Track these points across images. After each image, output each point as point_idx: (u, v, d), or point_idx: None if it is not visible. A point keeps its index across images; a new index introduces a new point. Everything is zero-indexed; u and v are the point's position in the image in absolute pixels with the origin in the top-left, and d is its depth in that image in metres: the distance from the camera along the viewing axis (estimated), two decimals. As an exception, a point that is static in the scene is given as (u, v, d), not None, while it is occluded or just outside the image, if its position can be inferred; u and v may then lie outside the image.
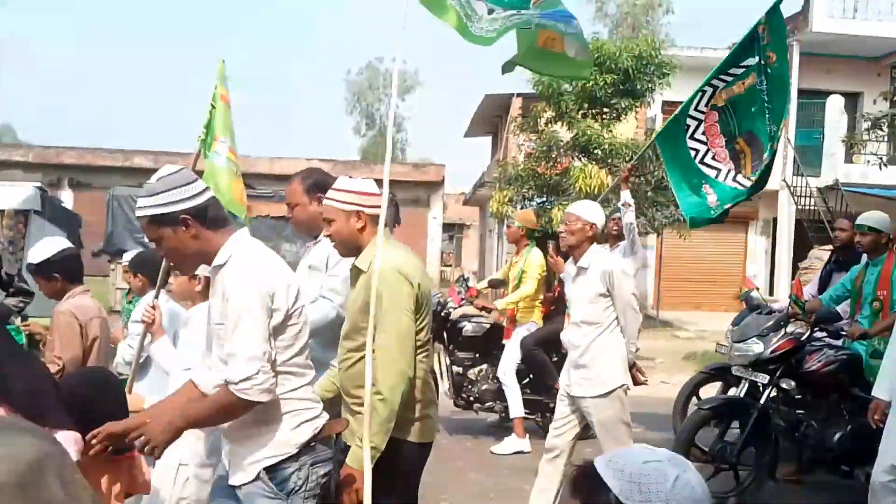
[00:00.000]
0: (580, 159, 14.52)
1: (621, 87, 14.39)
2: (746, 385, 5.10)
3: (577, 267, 4.18)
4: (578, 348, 4.13)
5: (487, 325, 6.74)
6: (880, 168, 15.21)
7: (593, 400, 4.05)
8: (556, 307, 6.45)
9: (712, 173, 5.25)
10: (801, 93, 19.06)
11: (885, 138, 16.07)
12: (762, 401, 4.96)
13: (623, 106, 14.66)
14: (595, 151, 14.24)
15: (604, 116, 14.95)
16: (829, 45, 18.75)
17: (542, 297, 6.58)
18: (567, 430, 4.18)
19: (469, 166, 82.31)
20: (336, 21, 79.87)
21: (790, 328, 5.07)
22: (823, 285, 5.81)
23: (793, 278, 18.84)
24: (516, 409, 6.32)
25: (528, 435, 6.31)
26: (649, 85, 14.56)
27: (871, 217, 5.37)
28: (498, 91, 20.98)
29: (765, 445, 4.97)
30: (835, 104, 18.36)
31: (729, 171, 5.23)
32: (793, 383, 5.08)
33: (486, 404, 6.64)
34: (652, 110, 17.29)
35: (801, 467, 5.27)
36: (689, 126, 5.34)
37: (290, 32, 75.36)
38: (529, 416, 6.50)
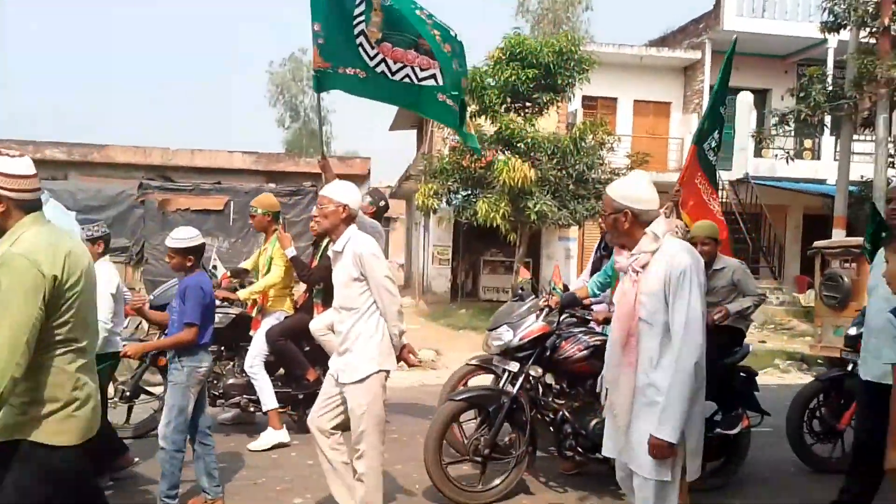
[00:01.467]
0: (504, 153, 14.72)
1: (542, 81, 14.66)
2: (505, 374, 4.87)
3: (333, 251, 4.06)
4: (340, 334, 4.02)
5: (233, 316, 6.23)
6: (787, 162, 15.99)
7: (349, 386, 3.94)
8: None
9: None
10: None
11: (792, 133, 16.89)
12: (515, 390, 4.74)
13: (544, 100, 14.94)
14: (518, 145, 14.48)
15: (526, 111, 15.21)
16: (740, 43, 19.46)
17: (293, 285, 6.38)
18: (327, 410, 4.05)
19: (395, 159, 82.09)
20: (257, 10, 78.25)
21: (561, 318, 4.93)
22: (594, 272, 5.66)
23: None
24: (269, 401, 6.00)
25: (284, 425, 6.04)
26: (569, 80, 14.87)
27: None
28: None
29: (523, 436, 4.77)
30: (745, 100, 19.15)
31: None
32: (539, 370, 4.86)
33: (232, 399, 6.20)
34: (572, 105, 17.66)
35: (575, 460, 5.04)
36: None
37: (210, 21, 73.45)
38: (283, 409, 6.18)
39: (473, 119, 15.21)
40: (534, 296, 5.19)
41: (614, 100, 20.65)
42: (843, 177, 15.04)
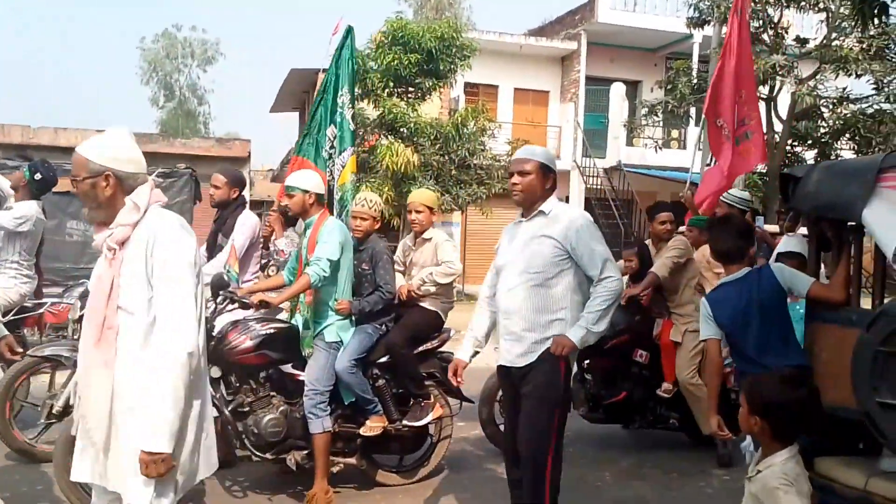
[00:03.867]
0: (387, 137, 14.72)
1: (425, 67, 14.73)
2: None
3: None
4: None
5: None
6: (656, 151, 16.83)
7: None
8: None
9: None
10: (589, 80, 20.55)
11: (661, 123, 17.77)
12: None
13: (427, 86, 15.03)
14: (401, 130, 14.51)
15: (409, 95, 15.25)
16: (613, 36, 20.32)
17: None
18: None
19: (277, 142, 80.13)
20: (127, -17, 74.14)
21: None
22: (210, 247, 5.27)
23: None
24: None
25: None
26: (452, 66, 15.01)
27: (295, 177, 4.61)
28: (303, 66, 20.65)
29: None
30: (617, 91, 19.97)
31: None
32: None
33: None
34: (455, 91, 17.85)
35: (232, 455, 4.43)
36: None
37: (75, -8, 68.94)
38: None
39: (357, 102, 15.11)
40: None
41: (495, 87, 21.02)
42: (705, 165, 15.97)
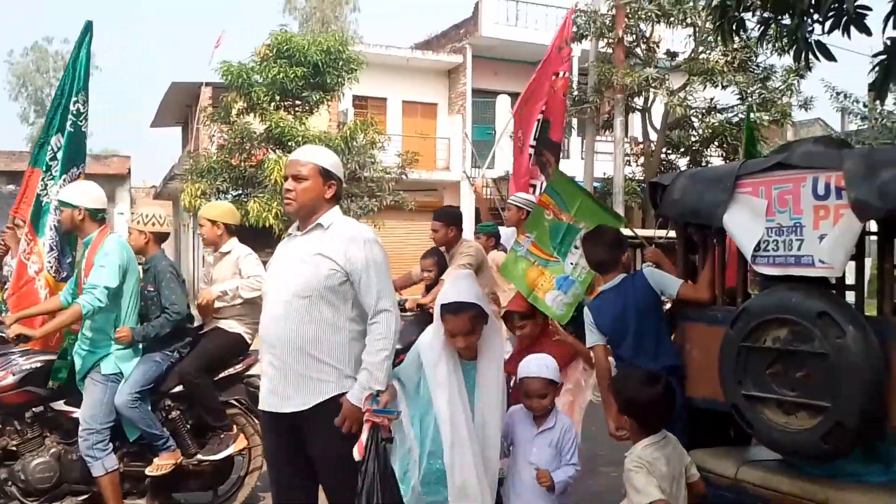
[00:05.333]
0: (275, 151, 14.48)
1: (312, 80, 14.60)
2: None
3: None
4: None
5: None
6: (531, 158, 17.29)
7: None
8: None
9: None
10: (475, 92, 20.95)
11: (545, 134, 18.29)
12: None
13: (315, 99, 14.89)
14: (289, 143, 14.30)
15: (296, 109, 15.07)
16: (497, 49, 20.79)
17: None
18: None
19: (159, 158, 77.24)
20: (-10, -8, 69.77)
21: None
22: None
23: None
24: None
25: None
26: (339, 79, 14.95)
27: (66, 192, 4.22)
28: (185, 79, 20.06)
29: None
30: (503, 104, 20.42)
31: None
32: None
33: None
34: (343, 104, 17.78)
35: None
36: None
37: (-70, 1, 64.21)
38: None
39: (241, 116, 14.81)
40: None
41: (384, 100, 21.07)
42: (588, 174, 16.54)
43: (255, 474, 4.65)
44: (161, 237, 4.44)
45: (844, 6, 3.68)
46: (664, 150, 16.05)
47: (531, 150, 6.69)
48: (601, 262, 3.68)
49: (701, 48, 14.93)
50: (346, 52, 14.92)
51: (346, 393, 2.89)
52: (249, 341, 4.63)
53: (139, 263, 4.40)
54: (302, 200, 2.96)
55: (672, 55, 15.37)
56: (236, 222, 4.88)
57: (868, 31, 3.74)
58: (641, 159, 16.59)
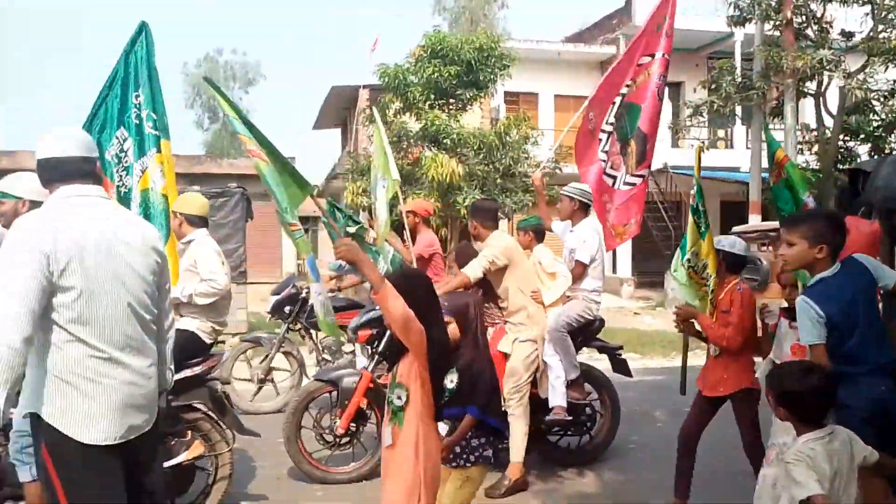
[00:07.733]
0: (430, 149, 14.80)
1: (465, 78, 14.79)
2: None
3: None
4: None
5: None
6: (703, 151, 16.57)
7: None
8: None
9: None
10: (630, 82, 20.38)
11: (706, 124, 17.53)
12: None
13: (468, 97, 15.08)
14: (444, 141, 14.57)
15: (450, 107, 15.32)
16: (654, 38, 20.10)
17: None
18: None
19: (321, 158, 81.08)
20: (171, 11, 76.03)
21: None
22: None
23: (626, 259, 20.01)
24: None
25: None
26: (491, 76, 15.05)
27: (7, 181, 3.95)
28: (344, 83, 20.92)
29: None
30: (661, 93, 19.76)
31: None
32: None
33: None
34: (495, 100, 17.88)
35: None
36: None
37: (120, 20, 70.93)
38: None
39: (398, 116, 15.23)
40: None
41: (535, 95, 21.00)
42: (755, 164, 15.69)
43: (223, 483, 4.39)
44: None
45: None
46: (842, 136, 14.91)
47: (602, 135, 5.92)
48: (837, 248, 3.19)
49: (881, 27, 13.73)
50: (499, 48, 15.00)
51: None
52: (208, 340, 4.49)
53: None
54: None
55: (848, 35, 14.24)
56: (200, 213, 4.81)
57: None
58: (816, 147, 15.49)
